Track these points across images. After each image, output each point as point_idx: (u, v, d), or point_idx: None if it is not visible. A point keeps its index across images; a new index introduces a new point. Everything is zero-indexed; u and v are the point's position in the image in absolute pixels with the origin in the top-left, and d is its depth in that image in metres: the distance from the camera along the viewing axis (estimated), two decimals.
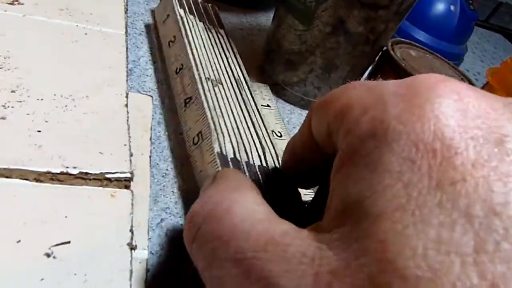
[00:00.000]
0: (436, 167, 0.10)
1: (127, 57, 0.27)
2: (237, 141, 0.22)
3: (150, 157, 0.22)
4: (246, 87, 0.27)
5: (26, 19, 0.26)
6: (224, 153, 0.21)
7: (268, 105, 0.30)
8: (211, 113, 0.23)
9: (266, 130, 0.24)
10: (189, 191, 0.23)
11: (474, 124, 0.10)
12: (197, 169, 0.22)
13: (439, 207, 0.09)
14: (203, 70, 0.26)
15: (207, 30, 0.31)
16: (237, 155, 0.22)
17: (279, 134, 0.28)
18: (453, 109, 0.11)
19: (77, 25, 0.27)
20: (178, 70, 0.27)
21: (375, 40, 0.30)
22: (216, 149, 0.21)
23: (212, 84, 0.25)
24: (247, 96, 0.26)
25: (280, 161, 0.23)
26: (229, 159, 0.21)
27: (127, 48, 0.28)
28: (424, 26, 0.55)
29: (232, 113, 0.24)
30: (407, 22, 0.54)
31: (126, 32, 0.29)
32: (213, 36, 0.30)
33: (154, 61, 0.31)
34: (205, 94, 0.24)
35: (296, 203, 0.20)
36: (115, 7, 0.31)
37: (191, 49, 0.27)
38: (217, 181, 0.15)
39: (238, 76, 0.28)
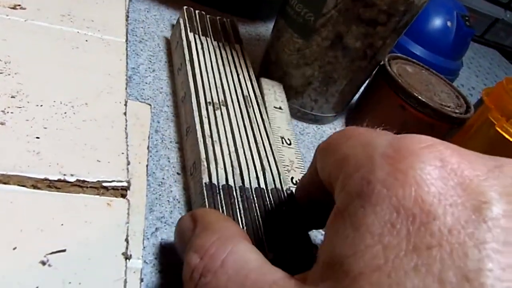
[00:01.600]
0: (414, 231, 0.10)
1: (127, 65, 0.27)
2: (232, 166, 0.22)
3: (147, 166, 0.23)
4: (255, 103, 0.28)
5: (28, 24, 0.27)
6: (215, 181, 0.21)
7: (280, 108, 0.30)
8: (205, 141, 0.23)
9: (271, 147, 0.25)
10: (185, 200, 0.23)
11: (454, 191, 0.11)
12: (192, 200, 0.23)
13: (414, 271, 0.10)
14: (204, 94, 0.26)
15: (221, 48, 0.31)
16: (230, 180, 0.22)
17: (288, 142, 0.27)
18: (435, 177, 0.11)
19: (78, 32, 0.28)
20: (183, 98, 0.28)
21: (373, 56, 0.30)
22: (205, 179, 0.21)
23: (214, 107, 0.25)
24: (254, 113, 0.27)
25: (282, 180, 0.23)
26: (220, 187, 0.21)
27: (127, 55, 0.28)
28: (421, 41, 0.55)
29: (233, 135, 0.24)
30: (405, 36, 0.55)
31: (127, 39, 0.29)
32: (226, 54, 0.31)
33: (153, 69, 0.31)
34: (201, 121, 0.24)
35: (293, 231, 0.21)
36: (116, 14, 0.31)
37: (194, 75, 0.27)
38: (204, 227, 0.16)
39: (248, 92, 0.28)
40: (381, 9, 0.27)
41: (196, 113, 0.25)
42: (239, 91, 0.28)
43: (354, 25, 0.28)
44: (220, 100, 0.26)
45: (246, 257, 0.14)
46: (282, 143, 0.27)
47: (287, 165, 0.25)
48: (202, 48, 0.30)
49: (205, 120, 0.24)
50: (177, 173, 0.24)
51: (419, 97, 0.30)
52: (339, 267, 0.11)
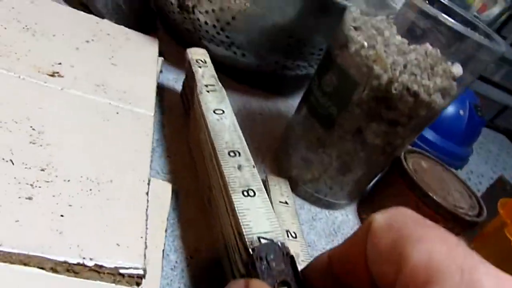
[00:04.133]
0: None
1: (153, 139, 0.28)
2: None
3: (163, 251, 0.23)
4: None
5: (64, 93, 0.28)
6: None
7: (286, 202, 0.30)
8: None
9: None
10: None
11: None
12: None
13: None
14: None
15: None
16: None
17: (293, 235, 0.28)
18: None
19: (110, 103, 0.29)
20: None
21: (391, 152, 0.31)
22: None
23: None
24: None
25: None
26: None
27: (154, 129, 0.29)
28: (434, 127, 0.57)
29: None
30: None
31: (155, 112, 0.30)
32: None
33: (178, 141, 0.32)
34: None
35: None
36: (147, 86, 0.32)
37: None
38: None
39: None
40: (403, 113, 0.28)
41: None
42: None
43: (375, 123, 0.29)
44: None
45: None
46: (288, 236, 0.27)
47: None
48: None
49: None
50: (190, 257, 0.24)
51: (434, 198, 0.31)
52: None
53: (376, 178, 0.36)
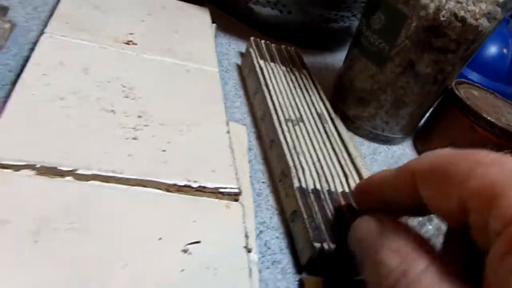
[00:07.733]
0: None
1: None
2: (317, 173, 0.25)
3: (250, 176, 0.26)
4: (329, 120, 0.31)
5: (139, 57, 0.31)
6: (304, 186, 0.24)
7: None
8: (290, 152, 0.26)
9: (349, 157, 0.27)
10: (281, 208, 0.26)
11: None
12: (284, 203, 0.26)
13: None
14: (283, 113, 0.30)
15: (290, 73, 0.35)
16: (318, 185, 0.25)
17: None
18: None
19: (180, 64, 0.32)
20: (262, 116, 0.31)
21: (443, 81, 0.33)
22: (296, 184, 0.24)
23: (293, 124, 0.29)
24: (329, 128, 0.30)
25: None
26: (309, 191, 0.24)
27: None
28: (477, 68, 0.57)
29: (314, 147, 0.28)
30: None
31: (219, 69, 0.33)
32: (296, 78, 0.35)
33: (240, 95, 0.35)
34: (284, 135, 0.28)
35: None
36: (208, 49, 0.36)
37: (271, 97, 0.31)
38: (384, 234, 0.16)
39: (321, 110, 0.32)
40: (451, 39, 0.30)
41: (278, 128, 0.28)
42: (313, 110, 0.32)
43: (426, 53, 0.31)
44: (297, 117, 0.30)
45: (441, 277, 0.13)
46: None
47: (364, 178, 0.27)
48: (273, 73, 0.34)
49: (287, 134, 0.28)
50: (273, 185, 0.27)
51: (488, 118, 0.32)
52: None
53: (429, 111, 0.37)
